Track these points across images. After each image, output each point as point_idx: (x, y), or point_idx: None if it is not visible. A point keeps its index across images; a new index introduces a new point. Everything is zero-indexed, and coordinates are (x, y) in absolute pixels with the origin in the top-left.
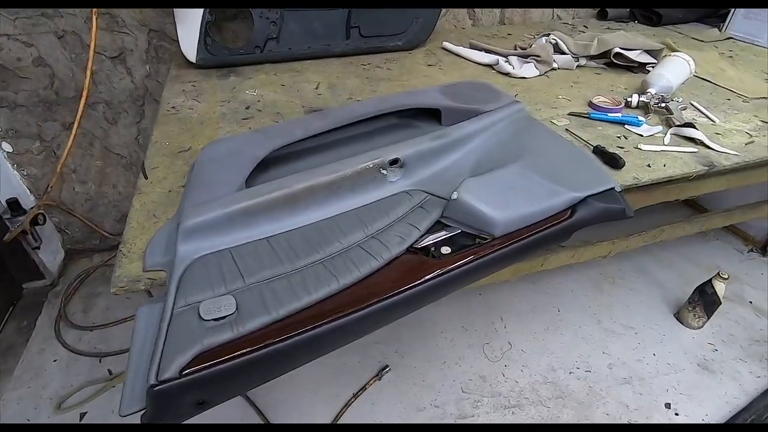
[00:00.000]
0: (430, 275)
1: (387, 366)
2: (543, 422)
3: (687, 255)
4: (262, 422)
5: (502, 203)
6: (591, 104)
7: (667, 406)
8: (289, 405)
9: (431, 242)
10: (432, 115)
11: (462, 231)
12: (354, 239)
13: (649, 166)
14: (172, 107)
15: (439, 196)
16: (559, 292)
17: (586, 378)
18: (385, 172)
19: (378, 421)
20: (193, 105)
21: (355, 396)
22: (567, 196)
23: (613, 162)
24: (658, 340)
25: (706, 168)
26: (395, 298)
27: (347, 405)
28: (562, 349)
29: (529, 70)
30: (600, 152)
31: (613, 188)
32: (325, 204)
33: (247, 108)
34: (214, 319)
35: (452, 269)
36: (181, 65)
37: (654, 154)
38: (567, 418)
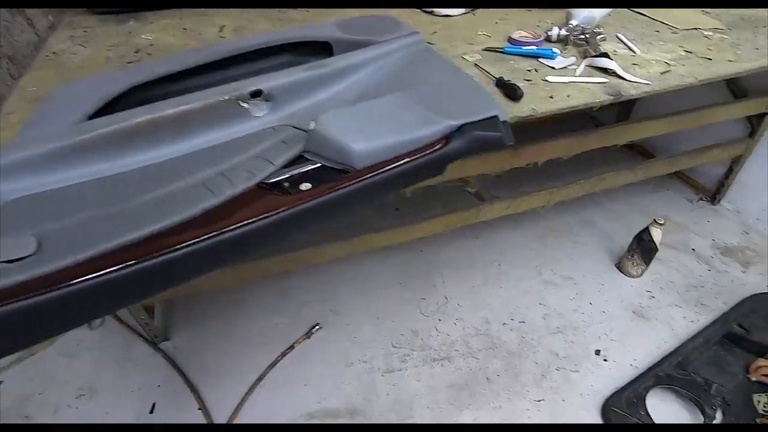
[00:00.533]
0: (275, 212)
1: (317, 324)
2: (471, 372)
3: (637, 205)
4: (186, 385)
5: (364, 133)
6: (510, 39)
7: (597, 353)
8: (214, 366)
9: (284, 177)
10: (329, 52)
11: (323, 165)
12: (200, 178)
13: (551, 97)
14: (53, 52)
15: (305, 130)
16: (503, 247)
17: (519, 329)
18: (246, 105)
19: (304, 378)
20: (78, 50)
21: (283, 354)
22: (442, 124)
23: (512, 93)
24: (597, 289)
25: (612, 97)
26: (226, 236)
27: (273, 364)
28: (499, 302)
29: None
30: (501, 84)
31: (495, 116)
32: (175, 141)
33: (137, 52)
34: (7, 261)
35: (303, 204)
36: (79, 11)
37: (561, 85)
38: (495, 367)
